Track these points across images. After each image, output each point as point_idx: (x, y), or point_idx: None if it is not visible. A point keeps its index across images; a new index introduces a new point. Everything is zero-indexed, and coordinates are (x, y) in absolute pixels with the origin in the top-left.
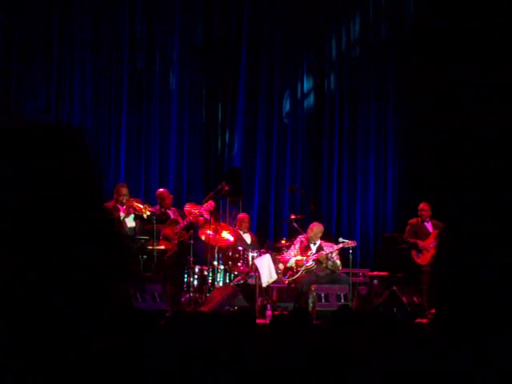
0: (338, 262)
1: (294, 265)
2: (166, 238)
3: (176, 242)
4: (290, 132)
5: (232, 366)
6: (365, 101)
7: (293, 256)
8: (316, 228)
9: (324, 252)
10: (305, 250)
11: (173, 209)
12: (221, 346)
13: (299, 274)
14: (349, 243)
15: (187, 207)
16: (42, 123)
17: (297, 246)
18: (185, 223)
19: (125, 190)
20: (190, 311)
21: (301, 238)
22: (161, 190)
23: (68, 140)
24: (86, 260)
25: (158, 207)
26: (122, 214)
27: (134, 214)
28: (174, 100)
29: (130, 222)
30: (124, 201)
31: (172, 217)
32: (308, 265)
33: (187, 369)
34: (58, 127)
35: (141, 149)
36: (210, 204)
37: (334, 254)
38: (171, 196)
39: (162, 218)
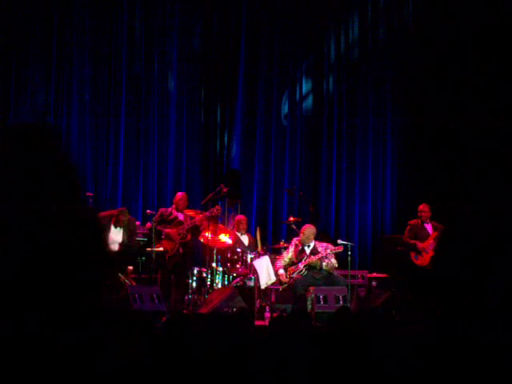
0: (334, 260)
1: (283, 273)
2: (169, 238)
3: (178, 242)
4: (289, 134)
5: (231, 367)
6: (363, 102)
7: (283, 263)
8: (307, 231)
9: (314, 258)
10: (300, 253)
11: (186, 212)
12: (219, 347)
13: (292, 278)
14: (335, 249)
15: (189, 212)
16: (15, 124)
17: (291, 249)
18: (189, 225)
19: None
20: (188, 313)
21: (295, 241)
22: (180, 194)
23: (42, 138)
24: (63, 246)
25: (169, 209)
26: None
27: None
28: (172, 102)
29: (117, 236)
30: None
31: (180, 219)
32: (299, 271)
33: (187, 370)
34: (30, 127)
35: (139, 151)
36: (216, 208)
37: (328, 251)
38: (184, 200)
39: (169, 219)
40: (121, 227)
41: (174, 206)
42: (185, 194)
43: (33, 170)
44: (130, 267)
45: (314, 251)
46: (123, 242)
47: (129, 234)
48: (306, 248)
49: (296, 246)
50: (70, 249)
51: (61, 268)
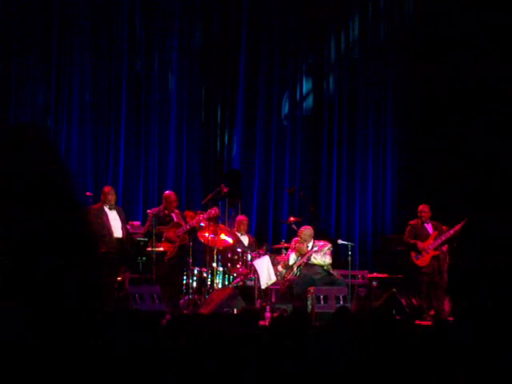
0: (328, 257)
1: (295, 259)
2: (169, 240)
3: (177, 244)
4: (289, 134)
5: (232, 367)
6: (364, 102)
7: (292, 256)
8: (304, 233)
9: (304, 259)
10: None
11: (176, 211)
12: (221, 347)
13: (288, 281)
14: (322, 246)
15: (187, 214)
16: (4, 125)
17: (294, 247)
18: (187, 227)
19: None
20: (188, 313)
21: (294, 243)
22: (167, 192)
23: (31, 138)
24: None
25: (161, 207)
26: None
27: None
28: (173, 102)
29: (115, 218)
30: (112, 201)
31: (175, 220)
32: (292, 273)
33: (188, 370)
34: (20, 127)
35: (140, 150)
36: (214, 210)
37: (322, 252)
38: (177, 200)
39: (165, 220)
40: (114, 208)
41: (164, 204)
42: (174, 194)
43: (22, 169)
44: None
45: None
46: (126, 229)
47: (123, 217)
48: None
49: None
50: (61, 247)
51: (54, 264)
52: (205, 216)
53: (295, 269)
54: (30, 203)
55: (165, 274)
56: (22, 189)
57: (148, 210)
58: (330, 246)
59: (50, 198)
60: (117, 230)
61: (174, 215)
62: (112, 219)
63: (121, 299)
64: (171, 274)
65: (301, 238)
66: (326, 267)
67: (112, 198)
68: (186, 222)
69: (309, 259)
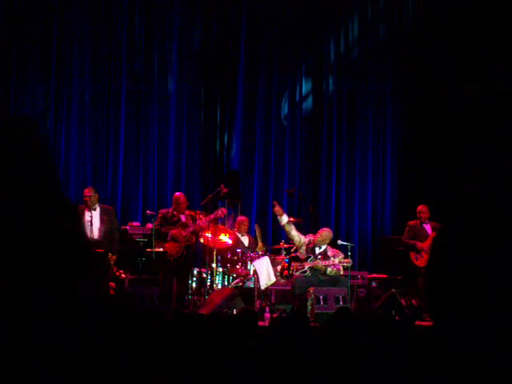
0: (341, 267)
1: (286, 225)
2: (174, 240)
3: (183, 245)
4: (289, 134)
5: (232, 367)
6: (363, 103)
7: (294, 229)
8: (325, 234)
9: (321, 262)
10: (309, 251)
11: (186, 213)
12: (222, 347)
13: (293, 276)
14: (344, 262)
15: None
16: None
17: (306, 239)
18: (194, 227)
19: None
20: (189, 313)
21: (310, 237)
22: (177, 194)
23: (18, 129)
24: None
25: (171, 209)
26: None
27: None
28: (172, 103)
29: (94, 218)
30: (89, 203)
31: (183, 220)
32: (302, 271)
33: (187, 370)
34: (6, 118)
35: (139, 151)
36: (221, 210)
37: (337, 260)
38: (187, 201)
39: (173, 221)
40: (94, 209)
41: (173, 206)
42: (184, 195)
43: (6, 160)
44: (113, 256)
45: (323, 255)
46: (105, 230)
47: (105, 218)
48: (316, 249)
49: (309, 242)
50: (47, 240)
51: (38, 257)
52: (211, 216)
53: (307, 268)
54: (17, 198)
55: (171, 275)
56: (8, 181)
57: (148, 211)
58: (342, 256)
59: (37, 193)
60: (93, 229)
61: (183, 217)
62: (87, 220)
63: (120, 300)
64: (178, 274)
65: (321, 235)
66: (335, 273)
67: (88, 199)
68: (194, 223)
69: (326, 268)
